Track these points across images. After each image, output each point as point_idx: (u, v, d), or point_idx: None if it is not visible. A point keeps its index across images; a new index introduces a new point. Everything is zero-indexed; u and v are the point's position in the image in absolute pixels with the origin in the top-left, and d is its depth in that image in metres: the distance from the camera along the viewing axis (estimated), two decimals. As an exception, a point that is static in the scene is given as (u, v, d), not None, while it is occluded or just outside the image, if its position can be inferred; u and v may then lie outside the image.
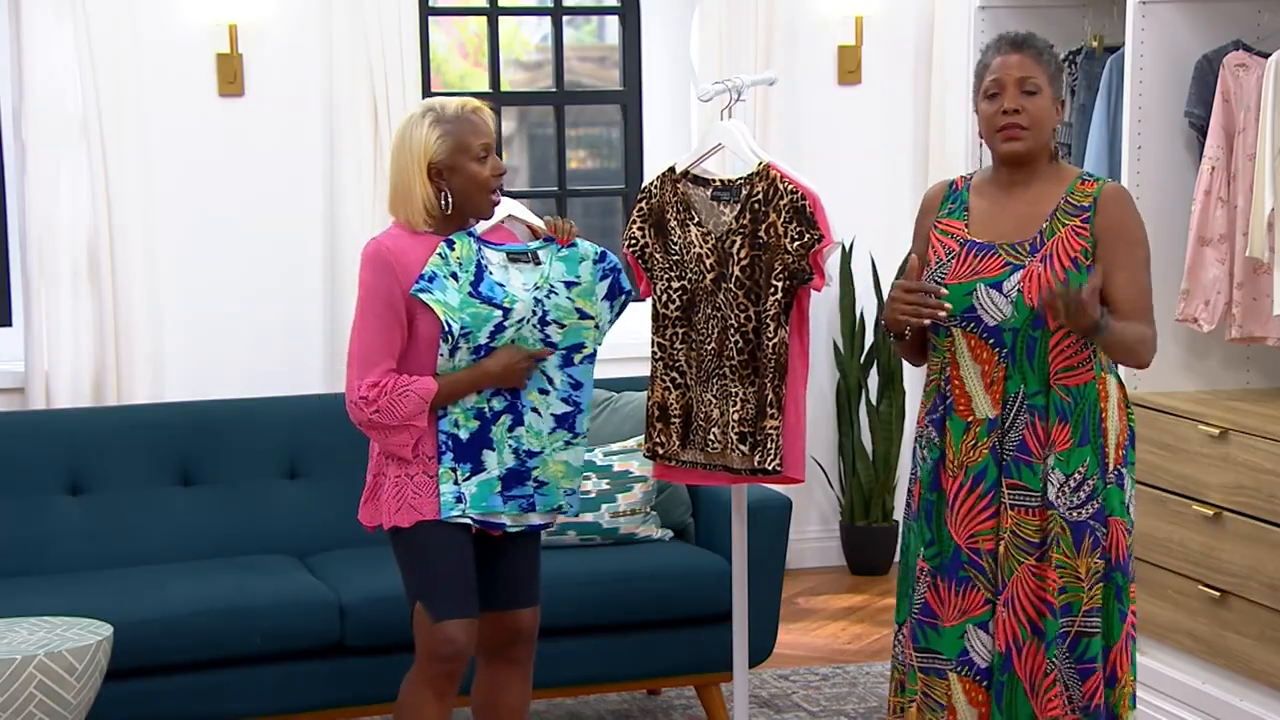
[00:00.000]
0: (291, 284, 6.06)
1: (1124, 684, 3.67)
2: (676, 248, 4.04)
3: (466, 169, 3.80)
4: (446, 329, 3.76)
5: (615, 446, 5.02)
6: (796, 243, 3.89)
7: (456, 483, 3.81)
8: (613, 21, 6.71)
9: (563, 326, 3.90)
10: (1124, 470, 3.68)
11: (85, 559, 4.85)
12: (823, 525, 6.79)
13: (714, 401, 4.02)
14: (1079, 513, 3.63)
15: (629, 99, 6.65)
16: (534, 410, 3.90)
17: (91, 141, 5.78)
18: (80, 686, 4.03)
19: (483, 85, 6.58)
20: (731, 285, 3.97)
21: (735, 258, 3.96)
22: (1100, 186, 3.66)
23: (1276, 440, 4.29)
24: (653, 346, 4.11)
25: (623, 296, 3.96)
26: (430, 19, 6.39)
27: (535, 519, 3.93)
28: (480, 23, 6.57)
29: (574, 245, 3.93)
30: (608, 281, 3.94)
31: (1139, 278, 3.65)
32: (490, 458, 3.85)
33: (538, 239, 3.94)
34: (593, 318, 3.93)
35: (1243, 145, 4.53)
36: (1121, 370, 4.75)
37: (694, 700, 5.16)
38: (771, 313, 3.93)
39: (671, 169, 4.07)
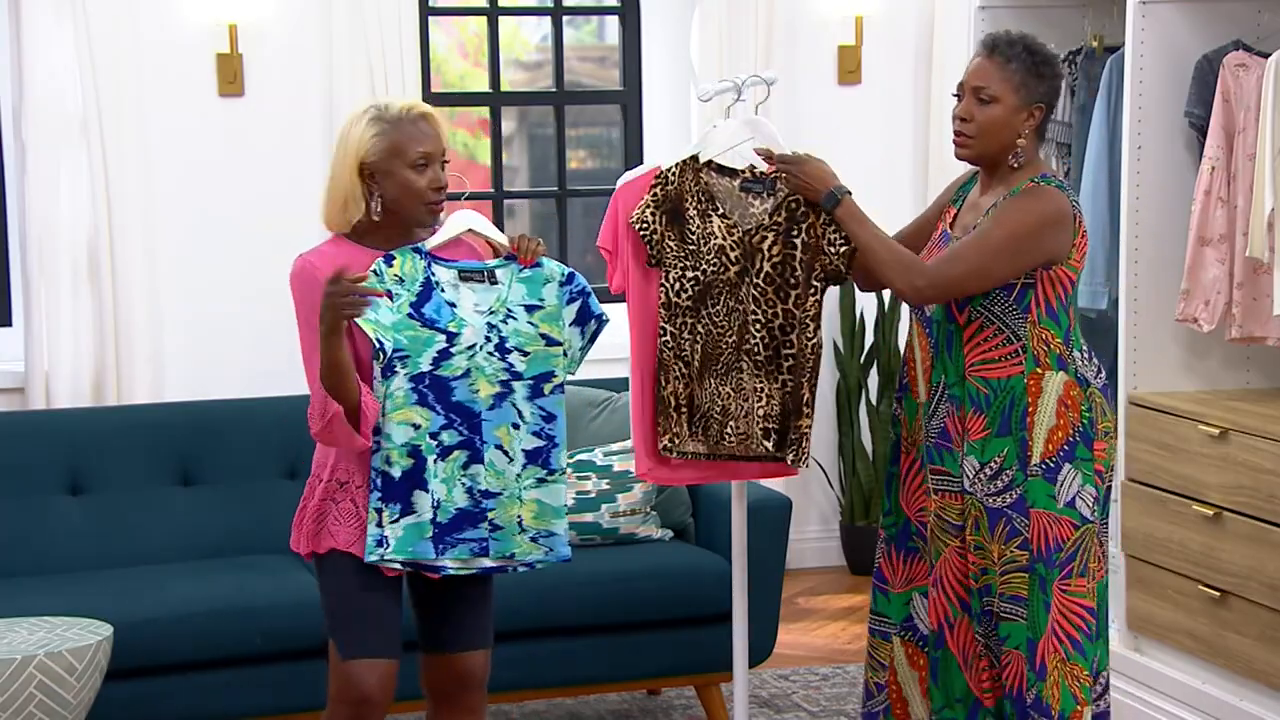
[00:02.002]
0: (291, 284, 6.06)
1: (1054, 678, 3.68)
2: (694, 237, 3.94)
3: (399, 175, 3.52)
4: (378, 346, 3.49)
5: (615, 446, 5.02)
6: (844, 247, 3.84)
7: (380, 524, 3.51)
8: (613, 21, 6.71)
9: (526, 354, 3.59)
10: (1069, 465, 3.68)
11: (85, 559, 4.85)
12: (823, 525, 6.79)
13: (731, 395, 3.96)
14: (995, 500, 3.70)
15: (629, 99, 6.65)
16: (499, 448, 3.58)
17: (91, 141, 5.78)
18: (80, 686, 4.03)
19: (483, 85, 6.58)
20: (759, 281, 3.91)
21: (765, 254, 3.90)
22: (1033, 187, 3.67)
23: (1276, 440, 4.29)
24: (663, 335, 3.99)
25: (593, 322, 3.68)
26: (430, 19, 6.39)
27: (487, 563, 3.61)
28: (480, 23, 6.57)
29: (538, 265, 3.63)
30: (575, 305, 3.65)
31: (967, 241, 3.67)
32: (422, 500, 3.54)
33: (499, 256, 3.66)
34: (560, 344, 3.62)
35: (1243, 145, 4.53)
36: (1121, 370, 4.78)
37: (694, 700, 5.16)
38: (812, 313, 3.90)
39: (694, 157, 3.98)
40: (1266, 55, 4.48)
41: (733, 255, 3.93)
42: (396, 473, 3.52)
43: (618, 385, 5.32)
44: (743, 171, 3.96)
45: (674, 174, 3.97)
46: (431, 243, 3.60)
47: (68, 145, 5.79)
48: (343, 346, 3.45)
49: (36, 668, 3.95)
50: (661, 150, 6.48)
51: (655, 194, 3.96)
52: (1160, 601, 4.70)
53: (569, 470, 4.94)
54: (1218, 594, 4.48)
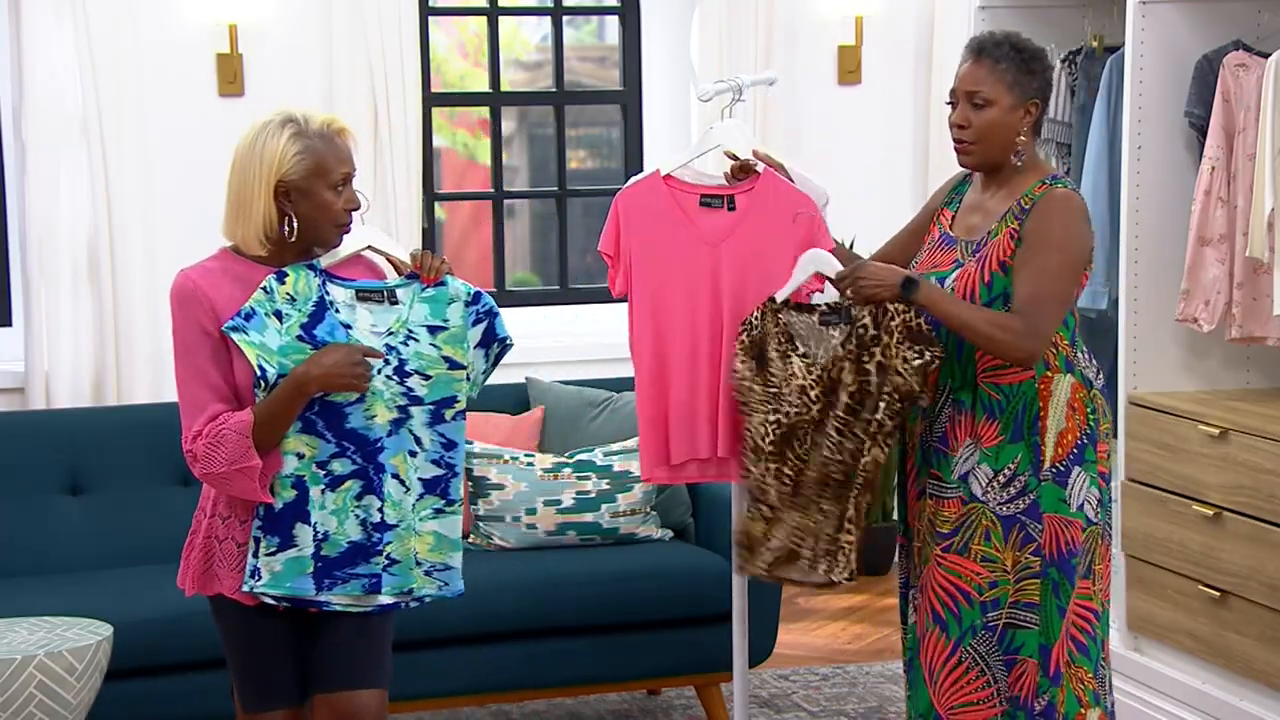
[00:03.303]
0: (291, 284, 6.06)
1: (1064, 684, 3.66)
2: (775, 380, 3.84)
3: (319, 196, 3.34)
4: (259, 374, 3.28)
5: (615, 447, 5.01)
6: (917, 361, 3.68)
7: (257, 555, 3.34)
8: (613, 21, 6.71)
9: (427, 378, 3.40)
10: (1078, 468, 3.65)
11: (85, 559, 4.85)
12: (823, 525, 6.78)
13: (799, 518, 3.86)
14: (1009, 507, 3.65)
15: (629, 99, 6.65)
16: (395, 477, 3.39)
17: (91, 141, 5.79)
18: (80, 686, 4.03)
19: (483, 85, 6.58)
20: (841, 412, 3.76)
21: (843, 384, 3.75)
22: (1047, 191, 3.63)
23: (1276, 440, 4.29)
24: (749, 476, 3.88)
25: (497, 345, 3.49)
26: (430, 19, 6.39)
27: (383, 600, 3.42)
28: (480, 23, 6.57)
29: (442, 284, 3.44)
30: (481, 327, 3.46)
31: (1036, 279, 3.57)
32: (304, 533, 3.34)
33: (400, 275, 3.47)
34: (464, 367, 3.43)
35: (1243, 145, 4.53)
36: (1122, 370, 4.78)
37: (694, 700, 5.16)
38: (872, 431, 3.74)
39: (772, 299, 3.87)
40: (1266, 55, 4.48)
41: (813, 394, 3.79)
42: (279, 504, 3.35)
43: (617, 385, 5.32)
44: (819, 305, 3.82)
45: (756, 319, 3.88)
46: (326, 260, 3.44)
47: (68, 145, 5.79)
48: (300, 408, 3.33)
49: (36, 668, 3.95)
50: (661, 150, 6.48)
51: (743, 341, 3.88)
52: (1160, 601, 4.70)
53: (568, 469, 4.94)
54: (1218, 594, 4.48)
